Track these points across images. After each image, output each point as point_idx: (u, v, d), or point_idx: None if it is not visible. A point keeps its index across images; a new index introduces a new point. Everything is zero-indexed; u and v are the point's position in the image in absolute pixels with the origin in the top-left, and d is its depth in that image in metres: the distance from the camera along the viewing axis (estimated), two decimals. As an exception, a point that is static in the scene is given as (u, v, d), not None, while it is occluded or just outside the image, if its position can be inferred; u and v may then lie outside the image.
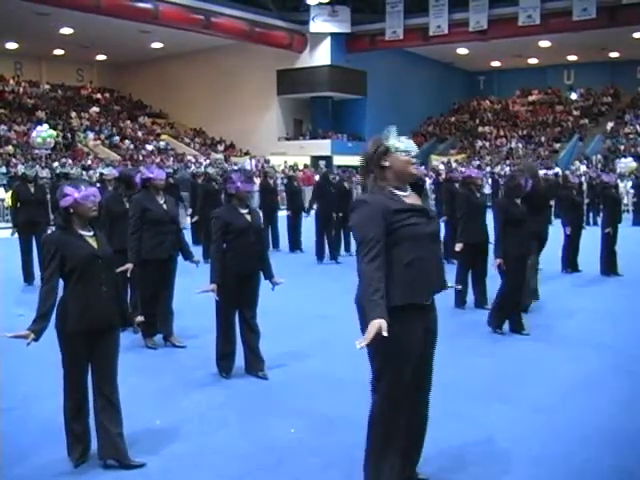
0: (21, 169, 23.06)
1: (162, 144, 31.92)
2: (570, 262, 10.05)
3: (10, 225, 18.28)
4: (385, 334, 2.77)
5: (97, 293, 3.51)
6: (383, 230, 2.94)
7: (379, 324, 2.78)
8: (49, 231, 5.47)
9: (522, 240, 6.41)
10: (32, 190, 9.30)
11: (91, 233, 3.61)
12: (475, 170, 8.24)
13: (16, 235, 9.42)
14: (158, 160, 27.76)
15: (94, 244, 3.57)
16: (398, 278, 2.96)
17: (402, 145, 3.05)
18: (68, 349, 3.51)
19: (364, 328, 2.87)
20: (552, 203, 17.43)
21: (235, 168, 9.70)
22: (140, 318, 4.02)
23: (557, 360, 5.60)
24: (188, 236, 7.43)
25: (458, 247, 7.48)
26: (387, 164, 3.03)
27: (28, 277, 9.23)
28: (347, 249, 12.01)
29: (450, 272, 7.45)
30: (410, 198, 3.08)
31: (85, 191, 3.53)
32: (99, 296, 3.52)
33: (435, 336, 3.18)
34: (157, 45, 32.47)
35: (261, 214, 6.00)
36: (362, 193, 3.16)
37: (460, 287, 7.28)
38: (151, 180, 5.93)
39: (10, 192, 13.87)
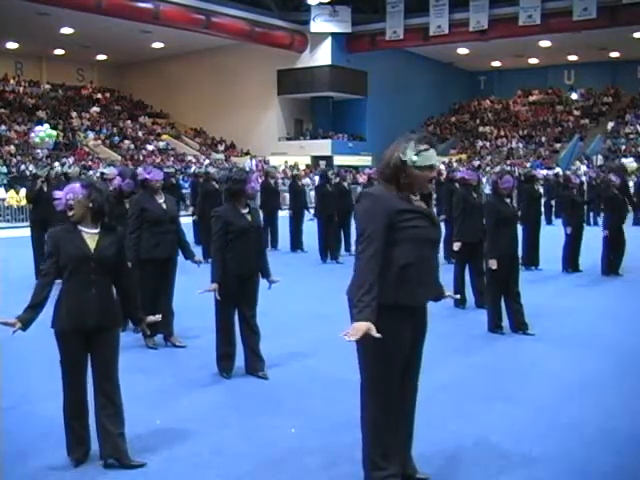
0: (23, 168, 23.16)
1: (162, 144, 31.92)
2: (571, 262, 10.05)
3: (10, 225, 18.56)
4: (377, 335, 2.79)
5: (86, 294, 3.46)
6: (385, 227, 2.93)
7: (366, 327, 2.80)
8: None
9: (512, 239, 6.44)
10: (45, 189, 9.41)
11: (96, 231, 3.53)
12: (469, 171, 8.28)
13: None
14: (159, 160, 27.76)
15: (92, 244, 3.49)
16: (392, 278, 2.96)
17: (420, 159, 2.98)
18: (62, 348, 3.51)
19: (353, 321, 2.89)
20: (552, 203, 17.63)
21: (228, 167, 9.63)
22: (152, 318, 3.83)
23: (558, 360, 5.59)
24: (189, 236, 7.41)
25: (456, 246, 7.52)
26: (404, 176, 2.99)
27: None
28: (347, 249, 12.00)
29: (449, 271, 7.54)
30: (418, 202, 3.09)
31: (69, 188, 3.48)
32: (88, 297, 3.46)
33: (423, 339, 3.19)
34: (158, 45, 32.47)
35: (261, 214, 5.98)
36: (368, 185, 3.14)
37: (458, 296, 7.33)
38: (147, 181, 5.93)
39: (24, 191, 14.20)
